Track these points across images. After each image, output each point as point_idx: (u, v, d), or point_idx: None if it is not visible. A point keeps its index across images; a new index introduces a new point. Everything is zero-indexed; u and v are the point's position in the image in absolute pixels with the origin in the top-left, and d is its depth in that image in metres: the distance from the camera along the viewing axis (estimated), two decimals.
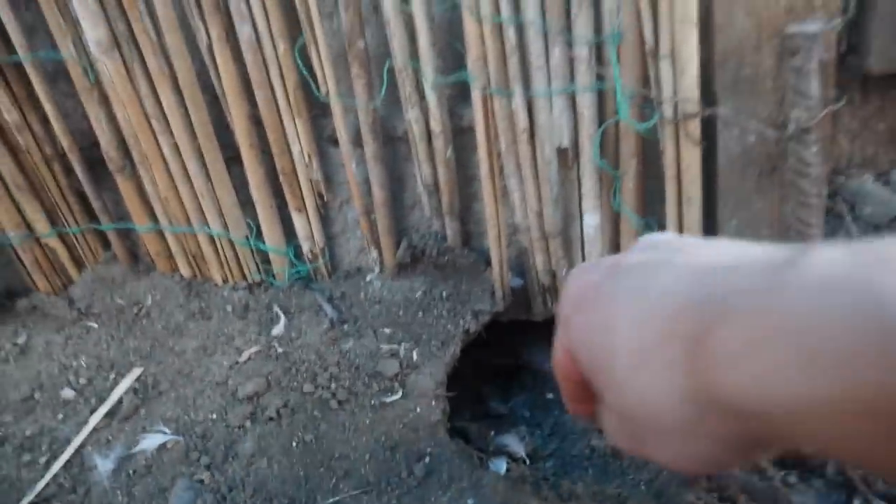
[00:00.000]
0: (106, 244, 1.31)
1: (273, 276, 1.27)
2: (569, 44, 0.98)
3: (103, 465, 1.09)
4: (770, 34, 0.92)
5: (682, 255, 0.37)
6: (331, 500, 0.97)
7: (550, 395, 1.32)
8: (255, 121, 1.14)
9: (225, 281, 1.28)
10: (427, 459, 1.01)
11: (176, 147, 1.14)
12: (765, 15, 0.90)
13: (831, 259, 0.28)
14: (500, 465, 1.12)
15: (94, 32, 1.03)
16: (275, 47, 1.05)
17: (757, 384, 0.29)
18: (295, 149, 1.15)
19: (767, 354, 0.28)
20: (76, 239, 1.28)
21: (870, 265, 0.27)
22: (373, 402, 1.08)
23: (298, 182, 1.18)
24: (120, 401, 1.16)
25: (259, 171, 1.17)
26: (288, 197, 1.20)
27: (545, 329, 1.28)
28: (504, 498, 0.94)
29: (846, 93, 1.04)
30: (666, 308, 0.34)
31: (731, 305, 0.30)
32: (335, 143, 1.16)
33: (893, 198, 1.06)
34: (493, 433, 1.20)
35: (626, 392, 0.36)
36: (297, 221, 1.22)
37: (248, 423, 1.08)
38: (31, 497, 1.06)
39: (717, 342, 0.30)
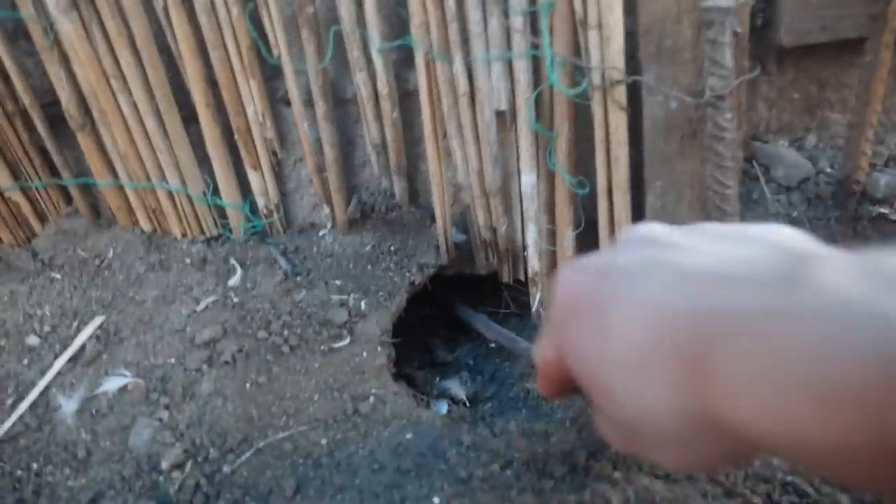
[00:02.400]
0: (68, 199, 1.36)
1: (230, 230, 1.33)
2: (505, 13, 1.04)
3: (67, 405, 1.16)
4: (689, 8, 0.99)
5: (673, 254, 0.35)
6: (281, 435, 1.05)
7: (493, 345, 1.41)
8: (211, 81, 1.19)
9: (184, 235, 1.34)
10: (371, 399, 1.09)
11: (135, 105, 1.19)
12: None
13: (840, 279, 0.27)
14: (442, 407, 1.21)
15: None
16: (228, 11, 1.10)
17: (760, 415, 0.28)
18: (249, 109, 1.21)
19: (772, 384, 0.27)
20: (39, 194, 1.33)
21: (883, 289, 0.26)
22: (322, 347, 1.16)
23: (253, 141, 1.24)
24: (83, 347, 1.22)
25: (215, 130, 1.23)
26: (243, 155, 1.26)
27: (487, 281, 1.37)
28: (441, 433, 1.03)
29: (764, 64, 1.12)
30: (663, 319, 0.32)
31: (734, 326, 0.29)
32: (288, 103, 1.22)
33: (803, 161, 1.15)
34: (437, 379, 1.29)
35: (624, 404, 0.35)
36: (253, 178, 1.28)
37: (204, 367, 1.15)
38: None
39: (720, 365, 0.29)
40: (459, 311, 1.42)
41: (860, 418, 0.24)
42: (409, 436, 1.03)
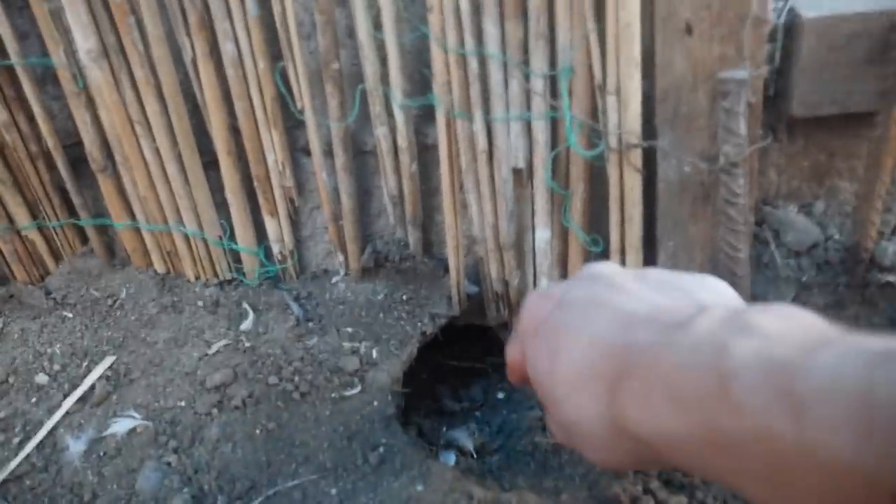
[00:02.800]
0: (84, 238, 1.37)
1: (244, 274, 1.34)
2: (526, 76, 1.07)
3: (75, 446, 1.15)
4: (705, 77, 1.02)
5: (615, 295, 0.46)
6: (290, 483, 1.05)
7: (500, 396, 1.42)
8: (234, 130, 1.21)
9: (197, 277, 1.36)
10: (381, 449, 1.09)
11: (157, 150, 1.21)
12: (700, 61, 1.01)
13: (709, 324, 0.37)
14: (450, 458, 1.21)
15: (85, 42, 1.10)
16: (255, 64, 1.13)
17: (647, 420, 0.38)
18: (270, 157, 1.23)
19: (653, 398, 0.37)
20: (55, 232, 1.34)
21: (732, 330, 0.35)
22: (333, 395, 1.17)
23: (272, 188, 1.26)
24: (92, 387, 1.23)
25: (235, 177, 1.25)
26: (261, 201, 1.28)
27: (498, 333, 1.38)
28: (451, 486, 1.03)
29: (775, 132, 1.15)
30: (595, 350, 0.43)
31: (636, 356, 0.40)
32: (308, 153, 1.24)
33: (813, 227, 1.17)
34: (444, 429, 1.30)
35: (562, 410, 0.45)
36: (269, 224, 1.30)
37: (214, 411, 1.15)
38: (4, 474, 1.12)
39: (626, 385, 0.40)
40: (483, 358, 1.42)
41: (697, 417, 0.34)
42: (419, 488, 1.03)
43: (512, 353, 0.56)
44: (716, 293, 0.46)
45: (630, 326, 0.42)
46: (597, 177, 1.14)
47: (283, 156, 1.22)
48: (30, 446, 1.16)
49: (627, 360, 0.40)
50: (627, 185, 1.10)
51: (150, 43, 1.12)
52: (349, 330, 1.27)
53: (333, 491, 1.04)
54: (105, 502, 1.08)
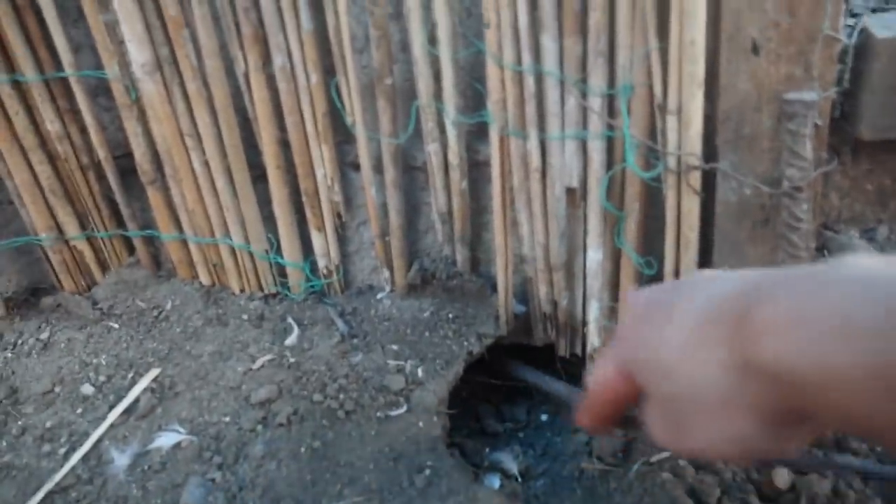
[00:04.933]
0: (131, 249, 1.37)
1: (289, 288, 1.34)
2: (583, 94, 1.05)
3: (120, 459, 1.15)
4: (769, 98, 0.99)
5: (737, 273, 0.41)
6: None
7: (544, 417, 1.39)
8: (283, 144, 1.21)
9: (242, 290, 1.35)
10: (427, 472, 1.07)
11: (206, 163, 1.21)
12: (766, 81, 0.98)
13: (868, 263, 0.34)
14: (494, 481, 1.19)
15: (139, 55, 1.11)
16: (307, 78, 1.12)
17: (795, 353, 0.33)
18: (319, 172, 1.22)
19: (808, 328, 0.33)
20: (103, 243, 1.35)
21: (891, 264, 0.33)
22: (378, 414, 1.15)
23: (319, 202, 1.25)
24: (137, 399, 1.22)
25: (283, 191, 1.24)
26: (308, 216, 1.27)
27: (543, 353, 1.36)
28: None
29: (838, 155, 1.11)
30: (713, 299, 0.39)
31: (776, 290, 0.35)
32: (357, 168, 1.23)
33: (875, 253, 1.13)
34: (487, 450, 1.27)
35: (674, 374, 0.40)
36: (316, 239, 1.29)
37: (259, 427, 1.14)
38: (50, 486, 1.12)
39: (760, 317, 0.35)
40: (515, 369, 1.39)
41: (875, 349, 0.30)
42: None
43: (602, 367, 0.49)
44: None
45: (758, 277, 0.38)
46: (652, 198, 1.11)
47: (332, 170, 1.21)
48: (75, 458, 1.16)
49: (760, 294, 0.36)
50: (685, 208, 1.07)
51: (204, 56, 1.12)
52: (394, 347, 1.25)
53: None
54: None
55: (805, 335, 0.33)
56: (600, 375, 0.49)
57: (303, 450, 1.11)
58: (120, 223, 1.33)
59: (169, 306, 1.35)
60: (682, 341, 0.40)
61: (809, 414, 0.36)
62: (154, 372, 1.26)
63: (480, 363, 1.33)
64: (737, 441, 0.39)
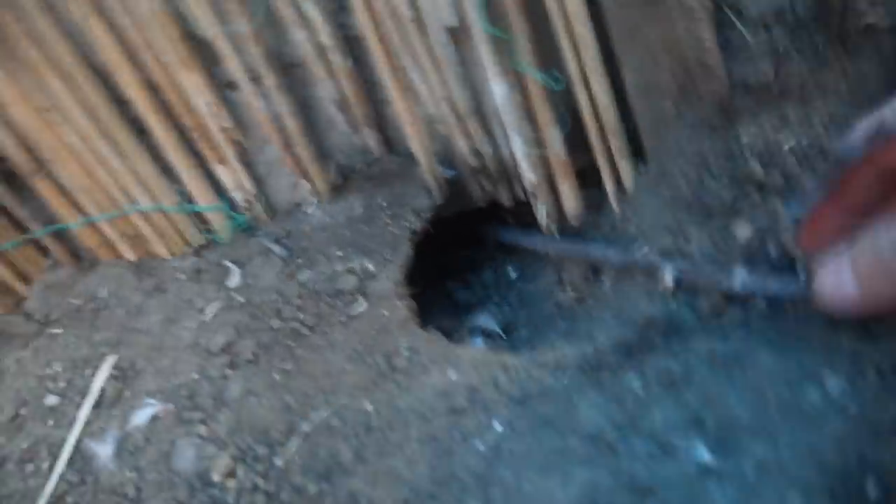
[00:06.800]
0: (45, 252, 1.31)
1: (215, 234, 1.28)
2: None
3: (103, 451, 1.11)
4: None
5: None
6: (324, 414, 1.00)
7: (512, 274, 1.37)
8: (151, 86, 1.13)
9: (173, 254, 1.29)
10: (405, 353, 1.04)
11: (79, 134, 1.14)
12: None
13: None
14: (478, 342, 1.16)
15: None
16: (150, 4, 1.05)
17: None
18: (200, 102, 1.15)
19: None
20: (15, 256, 1.28)
21: None
22: (341, 318, 1.11)
23: (211, 135, 1.19)
24: (103, 390, 1.18)
25: (170, 135, 1.17)
26: (206, 152, 1.20)
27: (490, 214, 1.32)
28: (484, 362, 0.98)
29: None
30: None
31: None
32: (234, 87, 1.16)
33: None
34: (465, 317, 1.24)
35: None
36: (223, 174, 1.23)
37: (228, 372, 1.10)
38: (44, 501, 1.08)
39: None
40: (499, 235, 1.34)
41: None
42: (453, 376, 0.99)
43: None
44: None
45: None
46: (536, 7, 1.06)
47: (210, 96, 1.14)
48: (59, 466, 1.12)
49: None
50: (570, 6, 1.02)
51: (34, 16, 1.03)
52: (338, 253, 1.20)
53: (369, 406, 0.99)
54: (150, 494, 1.04)
55: None
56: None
57: (277, 377, 1.08)
58: (23, 229, 1.26)
59: (104, 293, 1.29)
60: None
61: None
62: (111, 360, 1.21)
63: (438, 245, 1.30)
64: None
